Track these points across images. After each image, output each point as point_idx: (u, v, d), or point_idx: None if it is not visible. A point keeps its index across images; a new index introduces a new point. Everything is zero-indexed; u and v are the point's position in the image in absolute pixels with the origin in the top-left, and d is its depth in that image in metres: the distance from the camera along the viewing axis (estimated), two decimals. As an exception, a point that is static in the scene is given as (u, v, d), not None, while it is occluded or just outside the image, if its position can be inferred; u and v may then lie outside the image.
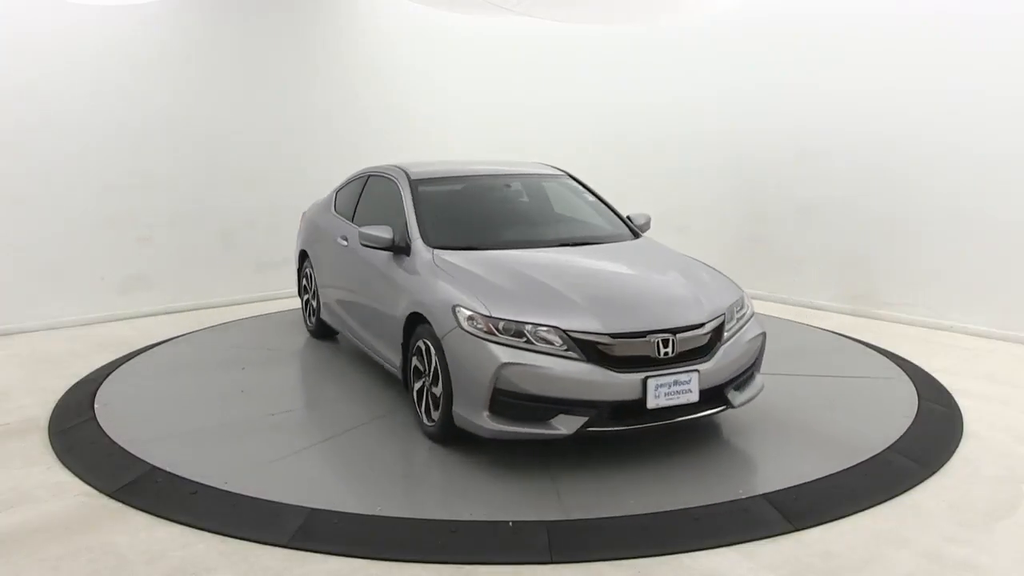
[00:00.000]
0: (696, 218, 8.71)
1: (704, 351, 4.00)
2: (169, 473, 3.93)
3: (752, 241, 8.30)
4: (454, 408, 4.00)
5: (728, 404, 4.14)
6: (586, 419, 3.78)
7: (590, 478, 3.89)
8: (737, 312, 4.29)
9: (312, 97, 8.42)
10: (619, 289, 4.27)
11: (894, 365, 5.72)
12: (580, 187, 5.64)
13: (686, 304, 4.09)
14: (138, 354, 6.03)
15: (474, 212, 5.25)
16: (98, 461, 4.13)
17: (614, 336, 3.81)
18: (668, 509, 3.55)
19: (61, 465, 4.10)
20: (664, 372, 3.84)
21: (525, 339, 3.82)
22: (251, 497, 3.67)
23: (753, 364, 4.35)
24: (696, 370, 3.91)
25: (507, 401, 3.79)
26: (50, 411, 4.86)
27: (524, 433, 3.82)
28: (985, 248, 6.62)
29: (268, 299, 8.05)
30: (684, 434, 4.47)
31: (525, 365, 3.75)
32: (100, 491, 3.78)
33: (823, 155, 7.60)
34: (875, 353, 6.05)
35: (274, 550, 3.25)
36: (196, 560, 3.18)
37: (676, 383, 3.86)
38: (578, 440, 3.92)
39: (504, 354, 3.78)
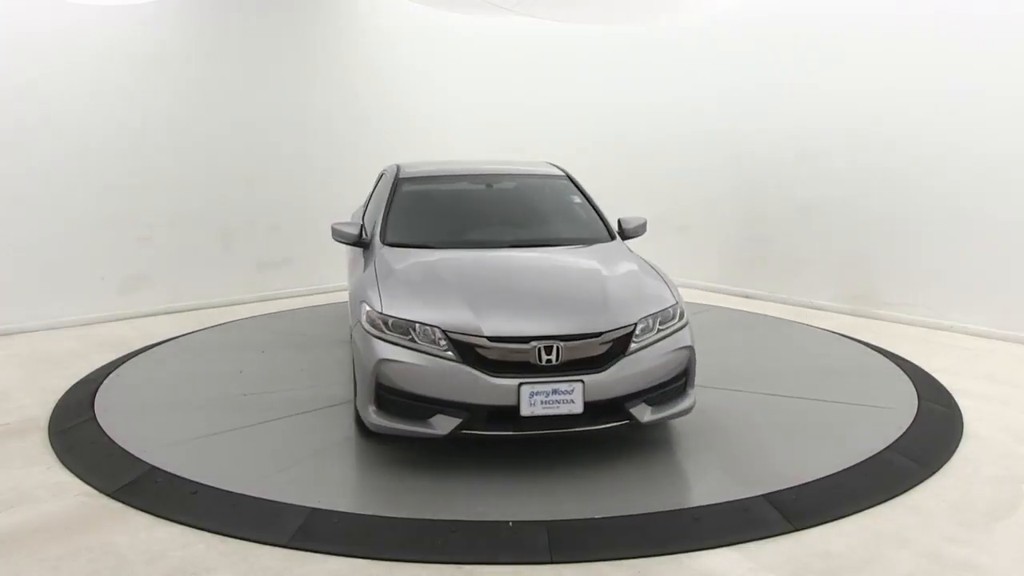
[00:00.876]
0: (696, 218, 8.71)
1: (599, 361, 3.83)
2: (169, 473, 3.92)
3: (752, 241, 8.30)
4: (356, 401, 4.14)
5: (632, 419, 3.90)
6: (460, 421, 3.77)
7: (590, 478, 3.89)
8: (661, 323, 4.05)
9: (312, 97, 8.42)
10: (526, 293, 4.19)
11: (894, 365, 5.72)
12: (572, 188, 5.52)
13: (590, 312, 3.95)
14: (138, 354, 6.03)
15: (445, 211, 5.30)
16: (98, 461, 4.13)
17: (492, 339, 3.77)
18: (668, 509, 3.56)
19: (61, 465, 4.10)
20: (542, 380, 3.74)
21: (411, 337, 3.86)
22: (251, 497, 3.67)
23: (676, 379, 4.08)
24: (581, 380, 3.75)
25: (389, 398, 3.86)
26: (50, 411, 4.86)
27: (404, 430, 3.87)
28: (985, 248, 6.62)
29: (268, 299, 8.05)
30: (684, 434, 4.47)
31: (403, 363, 3.81)
32: (100, 491, 3.78)
33: (823, 155, 7.60)
34: (875, 353, 6.05)
35: (274, 550, 3.25)
36: (196, 560, 3.18)
37: (555, 392, 3.74)
38: (484, 442, 3.99)
39: (385, 350, 3.85)
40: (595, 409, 3.81)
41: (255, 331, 6.83)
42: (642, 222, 5.27)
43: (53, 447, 4.33)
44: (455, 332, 3.82)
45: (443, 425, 3.79)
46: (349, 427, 4.52)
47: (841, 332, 6.69)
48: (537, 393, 3.72)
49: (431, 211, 5.28)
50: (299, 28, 8.31)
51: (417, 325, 3.87)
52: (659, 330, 4.03)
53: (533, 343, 3.76)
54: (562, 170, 5.77)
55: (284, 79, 8.21)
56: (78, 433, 4.49)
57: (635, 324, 3.93)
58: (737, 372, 5.57)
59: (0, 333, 6.64)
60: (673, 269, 8.78)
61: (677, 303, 4.24)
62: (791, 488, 3.73)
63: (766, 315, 7.34)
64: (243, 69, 7.95)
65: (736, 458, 4.13)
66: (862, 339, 6.44)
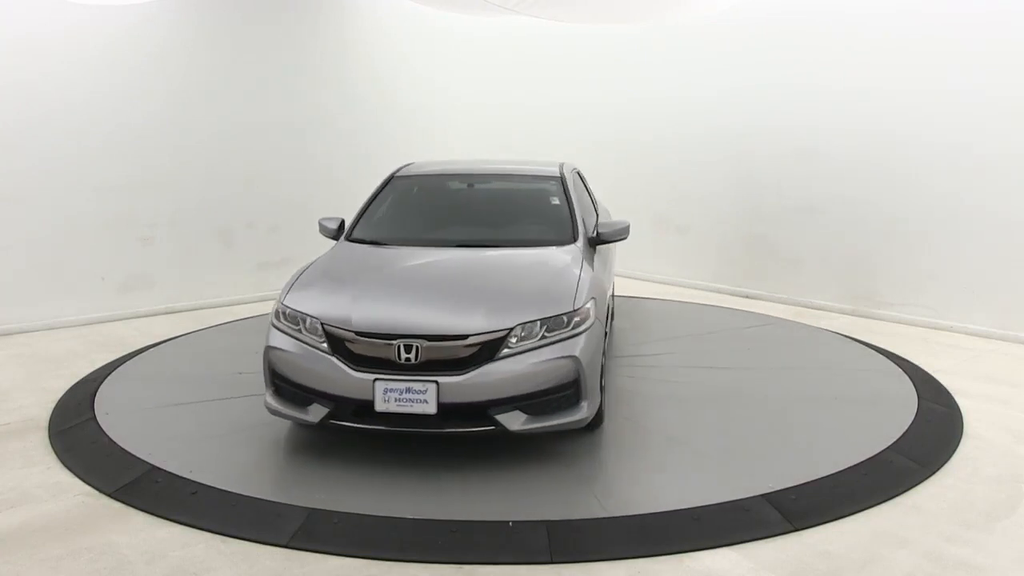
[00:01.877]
0: (696, 218, 8.71)
1: (462, 364, 3.80)
2: (169, 473, 3.93)
3: (752, 241, 8.30)
4: None
5: (498, 426, 3.81)
6: (328, 411, 3.92)
7: (588, 477, 3.89)
8: (548, 330, 3.90)
9: (312, 97, 8.42)
10: (419, 293, 4.24)
11: (894, 365, 5.72)
12: (558, 190, 5.36)
13: (464, 314, 3.91)
14: (138, 354, 6.03)
15: (415, 210, 5.43)
16: (98, 461, 4.13)
17: (360, 334, 3.87)
18: (668, 509, 3.56)
19: (61, 465, 4.10)
20: (397, 377, 3.78)
21: (299, 328, 4.07)
22: (251, 497, 3.67)
23: (561, 388, 3.89)
24: (435, 381, 3.76)
25: (279, 384, 4.11)
26: (50, 411, 4.86)
27: (289, 415, 4.07)
28: (985, 248, 6.62)
29: (268, 299, 8.03)
30: (683, 433, 4.47)
31: (286, 351, 4.04)
32: (100, 491, 3.78)
33: (823, 155, 7.60)
34: (875, 353, 6.05)
35: (274, 550, 3.25)
36: (196, 560, 3.18)
37: (409, 391, 3.76)
38: (408, 439, 4.14)
39: (275, 339, 4.12)
40: (452, 412, 3.80)
41: (255, 331, 6.82)
42: (622, 226, 5.03)
43: (53, 447, 4.32)
44: (330, 325, 3.97)
45: (316, 413, 3.95)
46: (349, 428, 4.51)
47: (841, 332, 6.69)
48: (391, 390, 3.77)
49: (404, 210, 5.42)
50: (299, 28, 8.31)
51: (307, 318, 4.06)
52: (544, 337, 3.88)
53: (396, 341, 3.81)
54: (560, 171, 5.61)
55: (284, 79, 8.21)
56: (78, 433, 4.49)
57: (509, 329, 3.84)
58: (737, 372, 5.57)
59: (0, 333, 6.64)
60: (673, 269, 8.88)
61: (575, 311, 4.00)
62: (791, 488, 3.73)
63: (766, 315, 7.34)
64: (243, 69, 7.94)
65: (736, 458, 4.13)
66: (862, 339, 6.44)
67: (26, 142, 6.75)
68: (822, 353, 6.12)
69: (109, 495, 3.74)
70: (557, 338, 3.90)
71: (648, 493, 3.75)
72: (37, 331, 6.77)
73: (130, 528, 3.44)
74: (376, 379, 3.79)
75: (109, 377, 5.44)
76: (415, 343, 3.80)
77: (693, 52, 8.56)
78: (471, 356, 3.81)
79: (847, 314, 7.41)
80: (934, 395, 5.11)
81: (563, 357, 3.86)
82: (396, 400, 3.78)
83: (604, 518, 3.48)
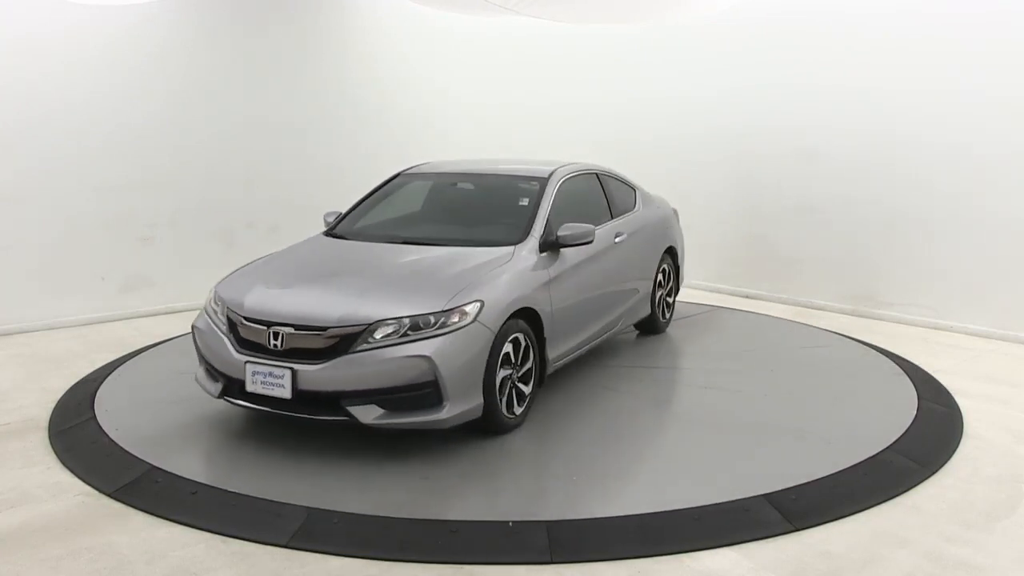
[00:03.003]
0: (697, 217, 8.68)
1: (320, 354, 3.96)
2: (169, 473, 3.93)
3: (752, 240, 8.30)
4: None
5: (351, 417, 3.92)
6: (223, 386, 4.28)
7: (590, 478, 3.89)
8: (412, 328, 3.96)
9: (312, 97, 8.42)
10: (313, 283, 4.48)
11: (894, 365, 5.72)
12: (535, 192, 5.23)
13: (334, 307, 4.06)
14: (138, 354, 6.03)
15: (399, 208, 5.68)
16: (98, 461, 4.13)
17: (246, 319, 4.19)
18: (668, 509, 3.55)
19: (61, 465, 4.10)
20: (262, 361, 4.06)
21: (216, 310, 4.44)
22: (251, 497, 3.67)
23: (418, 387, 3.93)
24: (291, 368, 3.95)
25: (200, 359, 4.54)
26: (50, 411, 4.86)
27: (203, 387, 4.46)
28: (985, 248, 6.62)
29: (268, 299, 8.04)
30: (682, 433, 4.47)
31: (200, 330, 4.48)
32: (100, 491, 3.78)
33: (823, 155, 7.60)
34: (875, 353, 6.05)
35: (274, 550, 3.25)
36: (196, 560, 3.18)
37: (271, 375, 4.01)
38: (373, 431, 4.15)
39: (198, 319, 4.55)
40: (308, 399, 3.99)
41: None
42: (583, 231, 4.90)
43: (53, 447, 4.32)
44: (230, 309, 4.33)
45: (216, 389, 4.34)
46: (350, 428, 4.52)
47: (841, 332, 6.69)
48: (258, 373, 4.05)
49: (385, 207, 5.67)
50: (299, 28, 8.31)
51: (221, 302, 4.43)
52: (406, 335, 3.95)
53: (269, 327, 4.09)
54: (549, 174, 5.41)
55: (284, 79, 8.21)
56: (78, 433, 4.49)
57: (368, 325, 3.95)
58: (737, 372, 5.57)
59: (0, 333, 6.64)
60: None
61: (444, 311, 4.03)
62: (791, 488, 3.73)
63: (766, 315, 7.34)
64: (243, 69, 7.94)
65: (736, 458, 4.13)
66: (862, 339, 6.44)
67: (26, 142, 6.74)
68: (822, 353, 6.12)
69: (109, 495, 3.74)
70: (417, 337, 3.95)
71: (648, 493, 3.74)
72: (37, 331, 6.77)
73: (130, 528, 3.44)
74: (247, 361, 4.11)
75: (109, 377, 5.44)
76: (282, 331, 4.05)
77: (693, 52, 8.55)
78: (330, 347, 3.96)
79: (847, 314, 7.41)
80: (934, 395, 5.11)
81: (417, 356, 3.90)
82: (261, 382, 4.06)
83: (604, 518, 3.48)
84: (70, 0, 6.66)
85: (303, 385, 3.95)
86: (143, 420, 4.67)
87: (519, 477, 3.93)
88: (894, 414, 4.71)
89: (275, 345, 4.05)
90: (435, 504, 3.66)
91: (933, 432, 4.51)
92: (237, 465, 4.07)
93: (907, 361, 5.83)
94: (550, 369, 4.75)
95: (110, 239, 7.25)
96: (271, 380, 4.01)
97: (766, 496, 3.65)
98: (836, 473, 3.90)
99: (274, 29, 8.12)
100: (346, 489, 3.80)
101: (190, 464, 4.04)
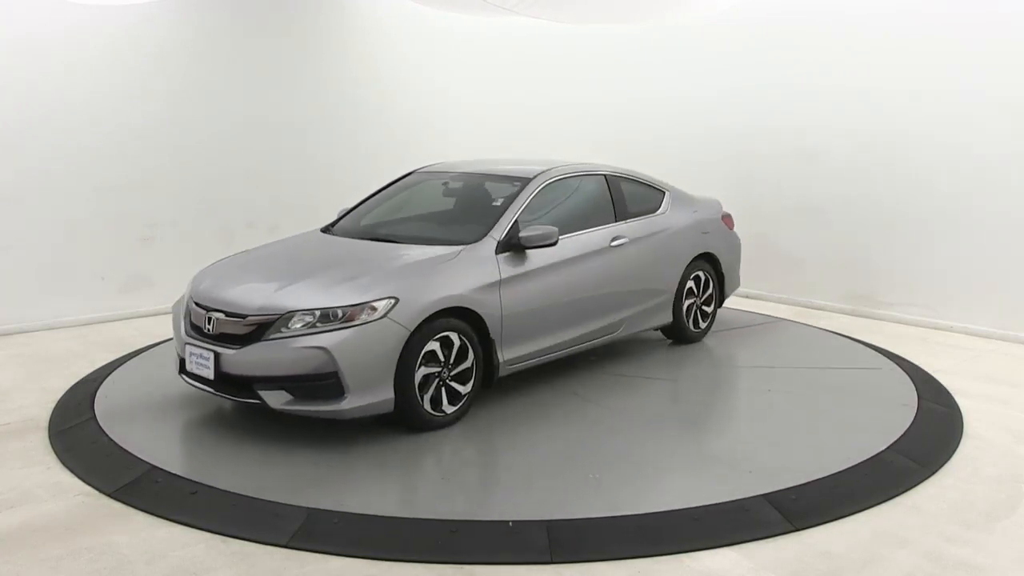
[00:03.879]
0: (696, 218, 8.69)
1: (240, 340, 4.24)
2: (169, 473, 3.93)
3: (752, 240, 8.27)
4: None
5: (262, 401, 4.17)
6: (179, 365, 4.63)
7: (589, 477, 3.89)
8: (321, 320, 4.11)
9: (313, 97, 8.41)
10: (265, 274, 4.68)
11: (894, 365, 5.72)
12: (510, 192, 5.22)
13: (257, 297, 4.34)
14: (138, 354, 6.03)
15: (389, 207, 5.80)
16: (98, 461, 4.12)
17: (196, 304, 4.55)
18: (668, 509, 3.55)
19: (61, 465, 4.09)
20: (196, 343, 4.42)
21: (185, 295, 4.78)
22: (251, 497, 3.67)
23: (321, 377, 4.07)
24: (214, 351, 4.28)
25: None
26: (50, 411, 4.86)
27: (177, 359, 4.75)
28: (985, 248, 6.62)
29: (268, 299, 8.03)
30: (682, 433, 4.47)
31: (173, 313, 4.85)
32: (100, 491, 3.78)
33: (823, 154, 7.60)
34: (875, 353, 6.05)
35: (274, 550, 3.25)
36: (196, 560, 3.18)
37: (201, 356, 4.36)
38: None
39: (175, 304, 4.91)
40: (228, 381, 4.28)
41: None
42: (545, 233, 4.86)
43: (53, 447, 4.32)
44: (190, 294, 4.69)
45: (177, 366, 4.68)
46: (350, 428, 4.52)
47: (841, 332, 6.69)
48: (193, 353, 4.42)
49: (376, 205, 5.80)
50: (300, 28, 8.30)
51: (188, 286, 4.80)
52: (315, 326, 4.12)
53: (208, 312, 4.40)
54: (533, 174, 5.35)
55: (284, 79, 8.20)
56: (78, 433, 4.49)
57: (281, 315, 4.17)
58: (737, 372, 5.58)
59: (0, 333, 6.64)
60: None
61: (353, 305, 4.15)
62: (791, 488, 3.73)
63: (766, 314, 7.34)
64: (243, 69, 7.94)
65: (736, 458, 4.13)
66: (862, 339, 6.44)
67: (26, 142, 6.74)
68: (822, 353, 6.12)
69: (109, 495, 3.74)
70: (325, 329, 4.11)
71: (648, 493, 3.74)
72: (37, 331, 6.77)
73: (130, 528, 3.44)
74: (186, 342, 4.48)
75: (109, 377, 5.44)
76: (214, 316, 4.36)
77: (693, 52, 8.55)
78: (248, 334, 4.22)
79: (847, 314, 7.41)
80: (934, 395, 5.11)
81: (317, 347, 4.06)
82: (195, 362, 4.40)
83: (604, 518, 3.48)
84: (70, 0, 6.66)
85: (224, 367, 4.24)
86: (143, 420, 4.67)
87: (518, 477, 3.93)
88: (894, 414, 4.71)
89: (209, 329, 4.37)
90: (435, 504, 3.66)
91: (933, 432, 4.51)
92: (237, 465, 4.06)
93: (907, 361, 5.83)
94: (506, 371, 4.77)
95: (110, 239, 7.25)
96: (201, 361, 4.35)
97: (766, 496, 3.65)
98: (836, 473, 3.90)
99: (274, 29, 8.12)
100: (346, 489, 3.80)
101: (190, 464, 4.04)
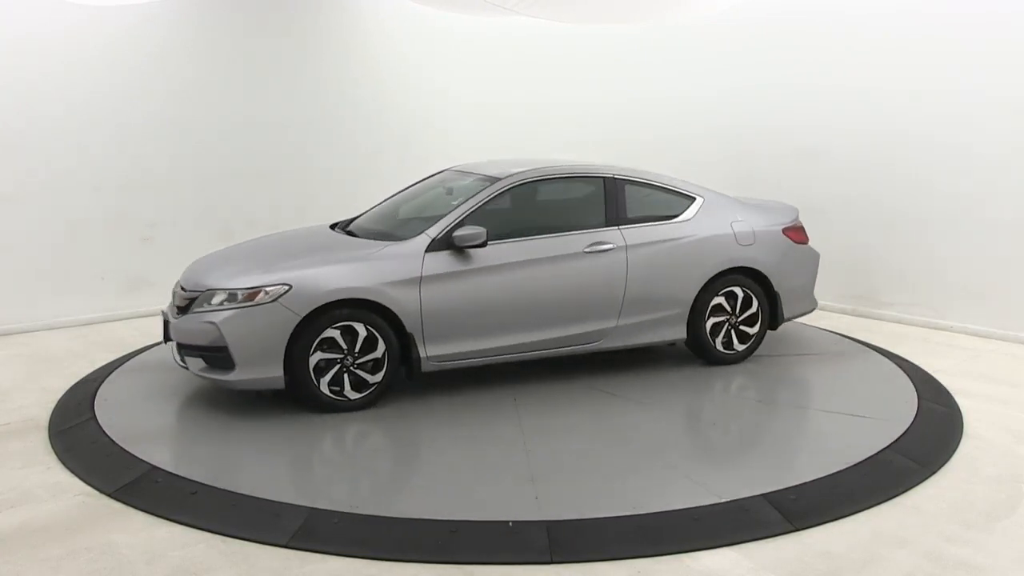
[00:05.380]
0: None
1: (182, 312, 4.81)
2: (169, 473, 3.93)
3: (752, 241, 8.28)
4: None
5: (184, 365, 4.85)
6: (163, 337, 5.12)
7: (590, 477, 3.89)
8: (229, 300, 4.59)
9: (313, 97, 8.41)
10: (228, 259, 5.12)
11: (894, 365, 5.72)
12: (477, 192, 5.19)
13: (200, 276, 4.90)
14: (138, 354, 6.03)
15: (390, 206, 5.97)
16: (98, 461, 4.13)
17: (180, 284, 5.02)
18: (668, 509, 3.55)
19: (61, 465, 4.10)
20: (167, 314, 5.02)
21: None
22: (251, 497, 3.67)
23: (216, 350, 4.56)
24: (168, 321, 4.94)
25: None
26: (50, 411, 4.86)
27: None
28: (985, 248, 6.62)
29: (268, 299, 8.03)
30: (682, 433, 4.47)
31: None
32: (100, 491, 3.79)
33: (823, 154, 7.60)
34: (875, 353, 6.05)
35: (274, 550, 3.26)
36: (196, 560, 3.18)
37: (166, 324, 4.98)
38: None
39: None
40: (177, 346, 4.85)
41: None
42: (474, 233, 4.84)
43: (53, 447, 4.33)
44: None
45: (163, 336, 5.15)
46: (350, 428, 4.52)
47: (841, 332, 6.69)
48: (168, 323, 4.96)
49: (396, 203, 5.96)
50: (299, 28, 8.30)
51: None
52: (222, 304, 4.62)
53: (180, 288, 4.97)
54: (507, 175, 5.29)
55: (284, 79, 8.20)
56: (78, 433, 4.49)
57: (202, 292, 4.73)
58: (736, 372, 5.57)
59: (0, 333, 6.64)
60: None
61: (248, 288, 4.59)
62: (791, 488, 3.73)
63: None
64: (243, 69, 7.94)
65: (736, 458, 4.14)
66: (862, 339, 6.44)
67: (26, 142, 6.74)
68: (822, 353, 6.11)
69: (109, 495, 3.74)
70: (227, 308, 4.59)
71: (648, 493, 3.74)
72: (37, 331, 6.77)
73: (130, 528, 3.44)
74: (163, 311, 5.11)
75: (109, 377, 5.44)
76: (177, 290, 4.98)
77: (693, 52, 8.55)
78: (184, 307, 4.80)
79: (847, 314, 7.41)
80: (934, 395, 5.11)
81: (209, 323, 4.58)
82: (163, 329, 5.04)
83: (604, 518, 3.48)
84: (70, 0, 6.66)
85: (170, 335, 4.90)
86: (143, 420, 4.67)
87: (518, 477, 3.93)
88: (894, 414, 4.71)
89: (177, 302, 4.90)
90: (435, 504, 3.65)
91: (933, 432, 4.51)
92: (237, 465, 4.07)
93: (907, 361, 5.83)
94: (432, 367, 4.87)
95: (110, 239, 7.25)
96: (165, 328, 4.99)
97: (766, 496, 3.65)
98: (836, 473, 3.90)
99: (274, 29, 8.12)
100: (346, 489, 3.80)
101: (190, 464, 4.04)
